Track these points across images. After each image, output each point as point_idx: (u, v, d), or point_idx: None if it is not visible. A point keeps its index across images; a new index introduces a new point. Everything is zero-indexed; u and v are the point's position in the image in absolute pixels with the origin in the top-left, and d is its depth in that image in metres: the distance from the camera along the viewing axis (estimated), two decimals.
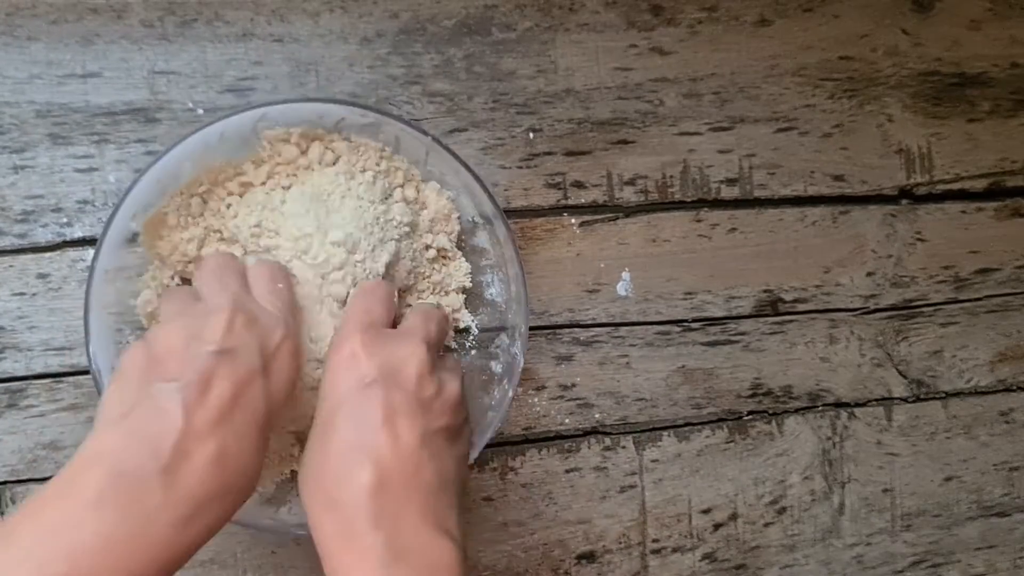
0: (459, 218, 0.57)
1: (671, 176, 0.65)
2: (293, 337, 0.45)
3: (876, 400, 0.69)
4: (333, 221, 0.52)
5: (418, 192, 0.57)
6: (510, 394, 0.55)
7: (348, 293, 0.51)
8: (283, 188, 0.54)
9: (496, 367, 0.58)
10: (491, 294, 0.59)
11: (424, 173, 0.57)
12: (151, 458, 0.38)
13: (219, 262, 0.49)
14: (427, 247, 0.57)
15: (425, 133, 0.54)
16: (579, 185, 0.64)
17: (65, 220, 0.57)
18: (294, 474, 0.56)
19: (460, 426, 0.48)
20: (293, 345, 0.45)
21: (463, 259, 0.59)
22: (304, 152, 0.54)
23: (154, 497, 0.38)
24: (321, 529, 0.43)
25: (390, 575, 0.41)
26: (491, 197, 0.55)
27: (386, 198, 0.55)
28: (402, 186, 0.56)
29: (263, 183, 0.55)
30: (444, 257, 0.58)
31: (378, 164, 0.55)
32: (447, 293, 0.58)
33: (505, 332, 0.58)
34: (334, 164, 0.55)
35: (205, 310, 0.44)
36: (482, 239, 0.59)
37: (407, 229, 0.55)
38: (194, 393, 0.40)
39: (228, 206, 0.55)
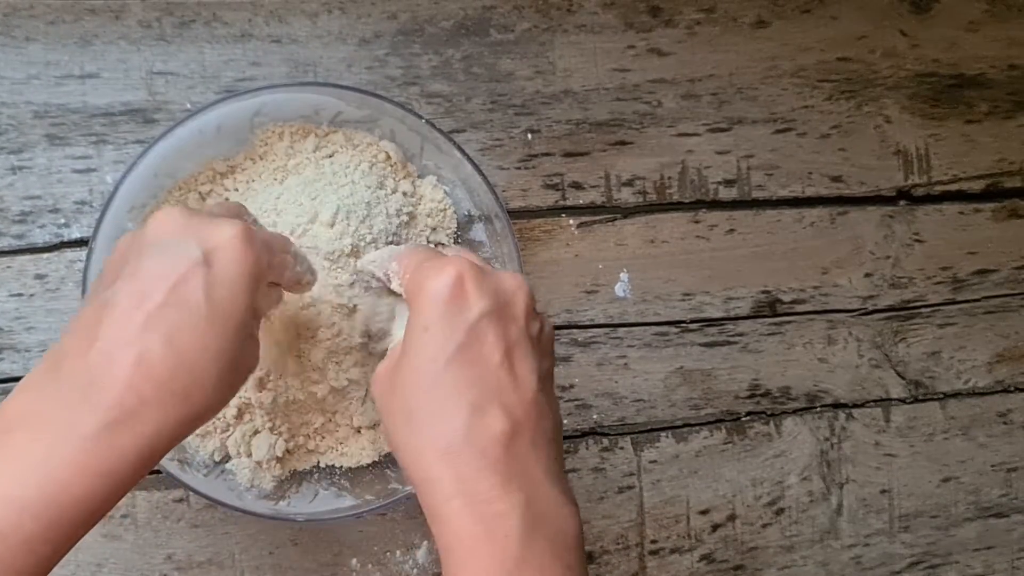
0: (455, 213, 0.57)
1: (669, 177, 0.65)
2: (245, 229, 0.39)
3: (874, 401, 0.69)
4: (325, 201, 0.51)
5: (414, 187, 0.57)
6: None
7: (351, 260, 0.51)
8: (277, 182, 0.54)
9: None
10: None
11: (420, 168, 0.57)
12: (72, 370, 0.36)
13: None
14: (427, 242, 0.57)
15: (420, 117, 0.54)
16: (577, 186, 0.64)
17: (63, 221, 0.56)
18: (294, 473, 0.56)
19: (553, 368, 0.43)
20: (244, 232, 0.38)
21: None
22: (297, 143, 0.55)
23: (77, 406, 0.35)
24: (436, 486, 0.37)
25: (528, 552, 0.36)
26: (491, 188, 0.55)
27: (381, 187, 0.54)
28: (397, 179, 0.56)
29: (260, 178, 0.55)
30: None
31: (374, 156, 0.56)
32: None
33: None
34: (331, 157, 0.55)
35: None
36: (478, 233, 0.59)
37: (406, 218, 0.55)
38: (117, 297, 0.37)
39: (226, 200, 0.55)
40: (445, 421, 0.37)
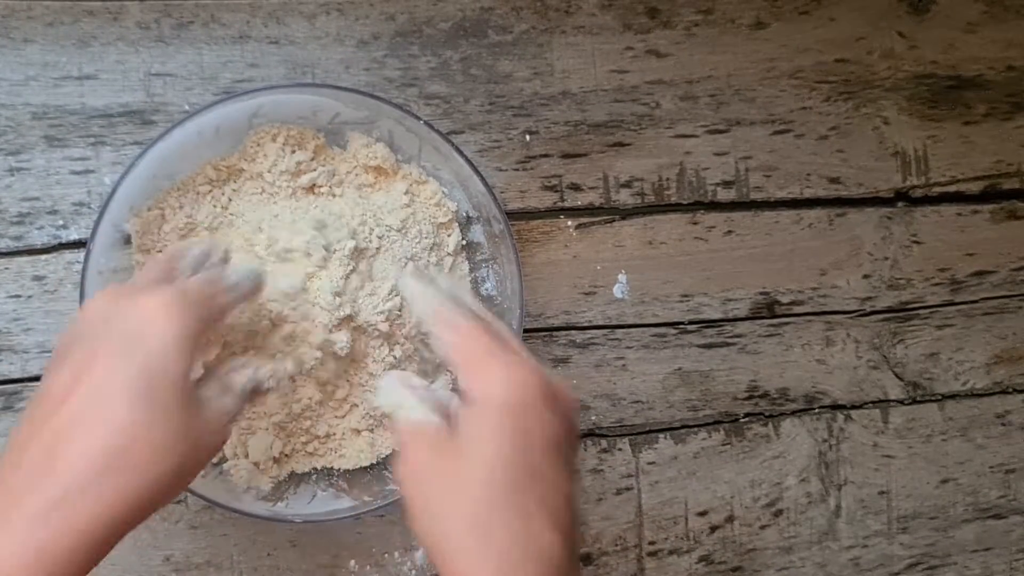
0: (454, 210, 0.57)
1: (667, 178, 0.65)
2: (171, 296, 0.39)
3: (872, 402, 0.69)
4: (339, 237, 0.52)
5: (413, 194, 0.57)
6: None
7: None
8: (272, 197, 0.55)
9: None
10: (487, 289, 0.59)
11: (421, 169, 0.57)
12: (15, 464, 0.37)
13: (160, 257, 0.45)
14: (433, 245, 0.57)
15: (418, 118, 0.54)
16: (575, 187, 0.64)
17: (61, 222, 0.56)
18: (292, 475, 0.56)
19: None
20: (171, 298, 0.39)
21: (464, 257, 0.59)
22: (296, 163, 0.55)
23: (13, 496, 0.36)
24: None
25: None
26: (489, 189, 0.55)
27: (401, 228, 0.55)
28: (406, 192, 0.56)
29: (262, 191, 0.55)
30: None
31: (375, 179, 0.56)
32: None
33: None
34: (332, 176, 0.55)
35: None
36: (476, 234, 0.59)
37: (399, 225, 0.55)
38: (49, 387, 0.38)
39: (224, 207, 0.55)
40: (522, 531, 0.37)
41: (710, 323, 0.66)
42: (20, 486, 0.36)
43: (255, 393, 0.45)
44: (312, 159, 0.55)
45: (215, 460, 0.54)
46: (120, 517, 0.37)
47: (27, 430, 0.38)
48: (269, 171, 0.54)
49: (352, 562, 0.60)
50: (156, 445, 0.37)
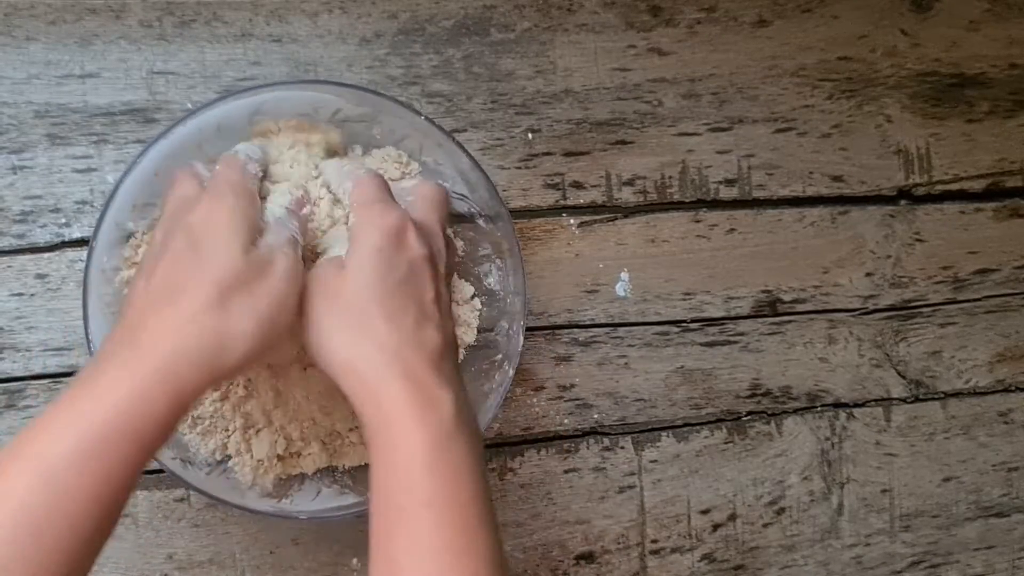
0: (417, 165, 0.57)
1: (670, 176, 0.65)
2: (227, 191, 0.46)
3: (875, 401, 0.69)
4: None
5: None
6: (510, 373, 0.55)
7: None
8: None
9: (497, 354, 0.57)
10: (490, 283, 0.59)
11: (420, 165, 0.57)
12: (122, 330, 0.42)
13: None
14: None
15: (419, 114, 0.54)
16: (578, 185, 0.64)
17: (64, 221, 0.57)
18: (291, 477, 0.56)
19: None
20: (224, 191, 0.46)
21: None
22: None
23: (127, 352, 0.41)
24: (383, 371, 0.43)
25: (457, 433, 0.43)
26: (491, 184, 0.55)
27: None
28: (396, 180, 0.56)
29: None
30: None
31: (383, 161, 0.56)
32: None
33: (505, 318, 0.58)
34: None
35: None
36: (479, 231, 0.59)
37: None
38: (142, 271, 0.44)
39: None
40: (396, 326, 0.44)
41: (712, 321, 0.66)
42: (113, 350, 0.42)
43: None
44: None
45: (219, 458, 0.54)
46: (200, 364, 0.41)
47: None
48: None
49: (354, 560, 0.60)
50: (229, 232, 0.44)
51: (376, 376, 0.43)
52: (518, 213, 0.63)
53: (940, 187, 0.70)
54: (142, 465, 0.40)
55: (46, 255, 0.56)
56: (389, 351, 0.43)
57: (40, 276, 0.56)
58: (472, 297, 0.58)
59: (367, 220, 0.47)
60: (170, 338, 0.41)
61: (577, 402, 0.64)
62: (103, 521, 0.39)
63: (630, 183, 0.64)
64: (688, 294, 0.66)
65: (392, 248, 0.46)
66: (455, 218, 0.58)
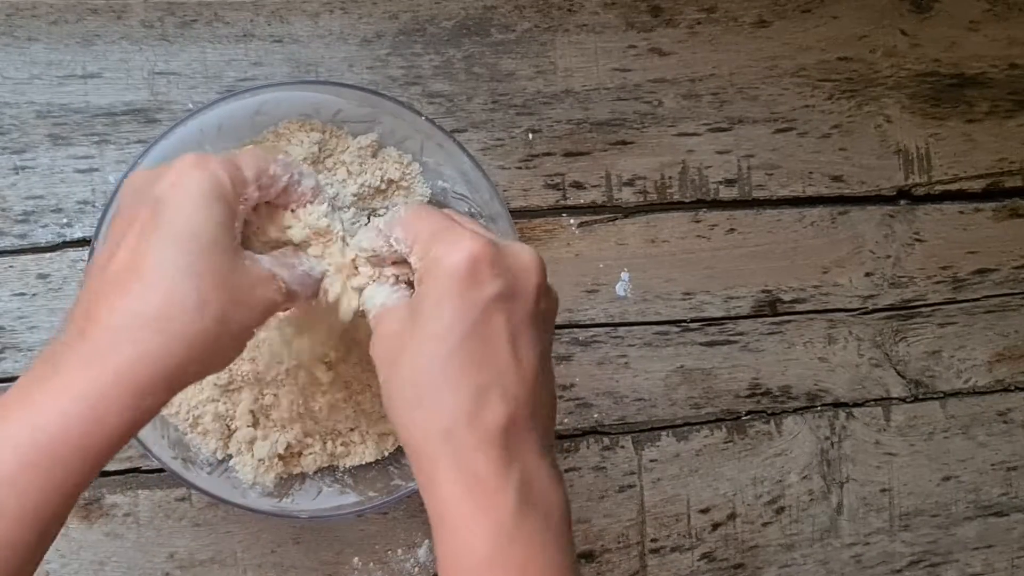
0: (421, 173, 0.57)
1: (670, 177, 0.65)
2: (193, 157, 0.40)
3: (874, 400, 0.69)
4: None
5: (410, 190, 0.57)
6: None
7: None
8: None
9: None
10: None
11: (420, 165, 0.57)
12: (69, 327, 0.38)
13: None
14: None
15: (420, 114, 0.54)
16: (578, 186, 0.64)
17: (65, 221, 0.57)
18: (292, 476, 0.56)
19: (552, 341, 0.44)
20: (192, 159, 0.40)
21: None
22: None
23: (71, 350, 0.37)
24: (435, 460, 0.38)
25: (520, 526, 0.37)
26: (491, 185, 0.55)
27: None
28: (396, 181, 0.56)
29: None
30: None
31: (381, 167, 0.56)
32: None
33: None
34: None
35: None
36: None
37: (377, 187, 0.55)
38: (96, 256, 0.40)
39: None
40: (450, 401, 0.38)
41: (712, 321, 0.66)
42: (64, 349, 0.37)
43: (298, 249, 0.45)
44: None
45: (220, 457, 0.54)
46: (164, 371, 0.37)
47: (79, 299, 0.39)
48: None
49: (356, 559, 0.60)
50: (188, 300, 0.37)
51: (431, 460, 0.38)
52: (518, 213, 0.63)
53: (940, 187, 0.70)
54: (89, 482, 0.36)
55: (48, 255, 0.57)
56: (443, 431, 0.38)
57: (42, 276, 0.56)
58: None
59: (428, 264, 0.40)
60: (130, 338, 0.36)
61: (577, 401, 0.64)
62: (39, 544, 0.35)
63: (630, 183, 0.65)
64: (688, 294, 0.66)
65: (459, 292, 0.39)
66: None
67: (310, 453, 0.55)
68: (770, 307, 0.67)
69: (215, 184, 0.39)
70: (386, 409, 0.40)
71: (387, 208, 0.55)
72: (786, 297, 0.67)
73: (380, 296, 0.44)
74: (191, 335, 0.37)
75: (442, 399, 0.38)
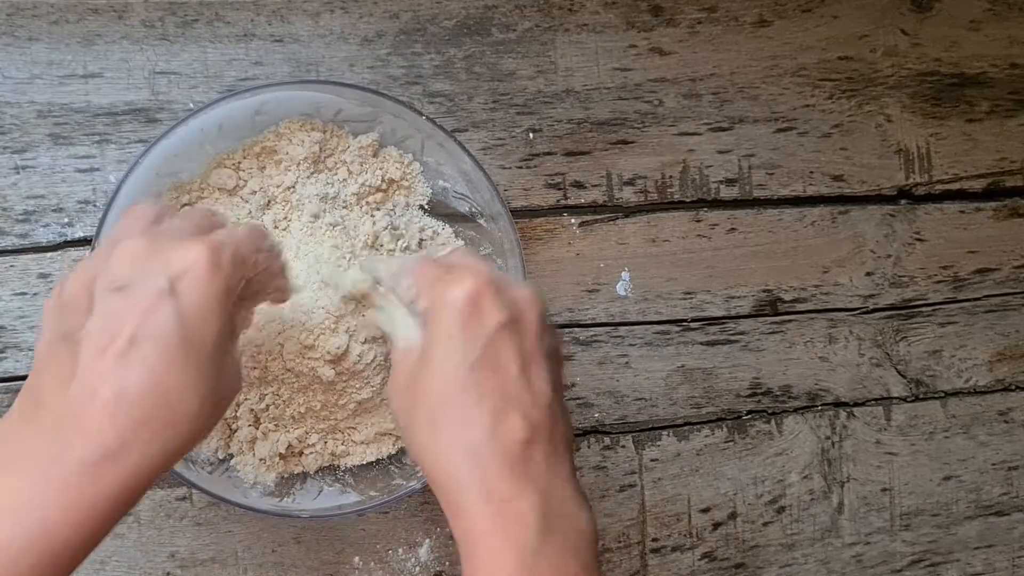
0: (422, 176, 0.58)
1: (670, 176, 0.65)
2: (211, 249, 0.38)
3: (875, 400, 0.69)
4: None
5: (410, 189, 0.57)
6: None
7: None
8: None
9: None
10: None
11: (421, 165, 0.57)
12: (53, 409, 0.36)
13: (141, 207, 0.43)
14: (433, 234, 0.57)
15: (420, 114, 0.54)
16: (579, 185, 0.64)
17: (66, 220, 0.57)
18: (293, 476, 0.56)
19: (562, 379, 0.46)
20: (210, 253, 0.38)
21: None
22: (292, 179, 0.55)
23: (58, 447, 0.36)
24: (459, 484, 0.39)
25: (544, 547, 0.38)
26: (492, 184, 0.55)
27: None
28: (397, 181, 0.56)
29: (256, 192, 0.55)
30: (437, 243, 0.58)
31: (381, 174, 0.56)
32: None
33: None
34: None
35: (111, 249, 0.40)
36: (480, 231, 0.59)
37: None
38: (89, 334, 0.37)
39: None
40: (469, 425, 0.39)
41: (713, 320, 0.66)
42: (58, 430, 0.36)
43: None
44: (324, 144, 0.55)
45: (221, 457, 0.54)
46: (154, 471, 0.37)
47: (47, 365, 0.38)
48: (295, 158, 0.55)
49: (356, 558, 0.60)
50: (190, 405, 0.37)
51: (456, 489, 0.39)
52: (519, 213, 0.63)
53: (940, 187, 0.70)
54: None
55: (49, 254, 0.57)
56: (464, 457, 0.39)
57: (43, 275, 0.56)
58: None
59: (434, 305, 0.42)
60: (139, 450, 0.36)
61: (578, 401, 0.64)
62: None
63: (631, 183, 0.65)
64: (689, 293, 0.66)
65: (464, 326, 0.40)
66: (456, 218, 0.58)
67: (311, 452, 0.55)
68: (771, 307, 0.67)
69: (228, 289, 0.39)
70: (407, 444, 0.42)
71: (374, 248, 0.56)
72: (787, 297, 0.67)
73: (401, 327, 0.45)
74: (185, 444, 0.38)
75: (461, 424, 0.39)
